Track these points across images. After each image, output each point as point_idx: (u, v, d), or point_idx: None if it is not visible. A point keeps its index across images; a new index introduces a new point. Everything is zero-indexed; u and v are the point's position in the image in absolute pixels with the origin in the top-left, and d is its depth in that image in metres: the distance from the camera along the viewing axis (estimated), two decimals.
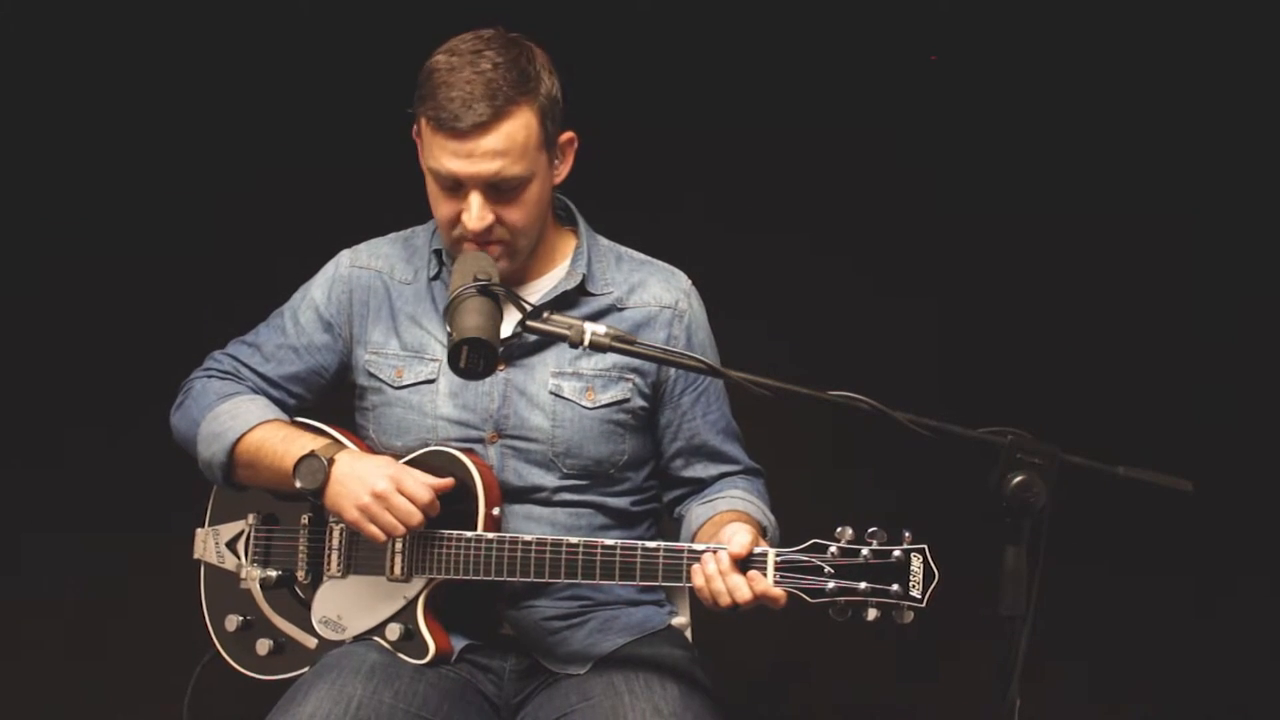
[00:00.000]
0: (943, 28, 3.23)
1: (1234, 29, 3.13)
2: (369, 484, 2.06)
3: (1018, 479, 1.77)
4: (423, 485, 2.07)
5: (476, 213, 2.09)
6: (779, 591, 1.95)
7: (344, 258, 2.33)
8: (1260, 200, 3.20)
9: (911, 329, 3.29)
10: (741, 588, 1.95)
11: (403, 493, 2.05)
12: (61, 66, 3.25)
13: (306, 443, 2.14)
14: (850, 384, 1.85)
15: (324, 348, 2.30)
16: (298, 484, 2.10)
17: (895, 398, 1.83)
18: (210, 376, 2.31)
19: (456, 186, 2.10)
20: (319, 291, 2.32)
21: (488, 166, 2.07)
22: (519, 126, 2.08)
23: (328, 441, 2.17)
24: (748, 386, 1.86)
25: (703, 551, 1.99)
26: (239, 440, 2.19)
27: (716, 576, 1.97)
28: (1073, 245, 3.25)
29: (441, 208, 2.14)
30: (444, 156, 2.08)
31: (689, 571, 2.00)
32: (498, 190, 2.10)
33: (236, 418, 2.21)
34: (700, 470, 2.32)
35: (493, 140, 2.06)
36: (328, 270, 2.34)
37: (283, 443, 2.16)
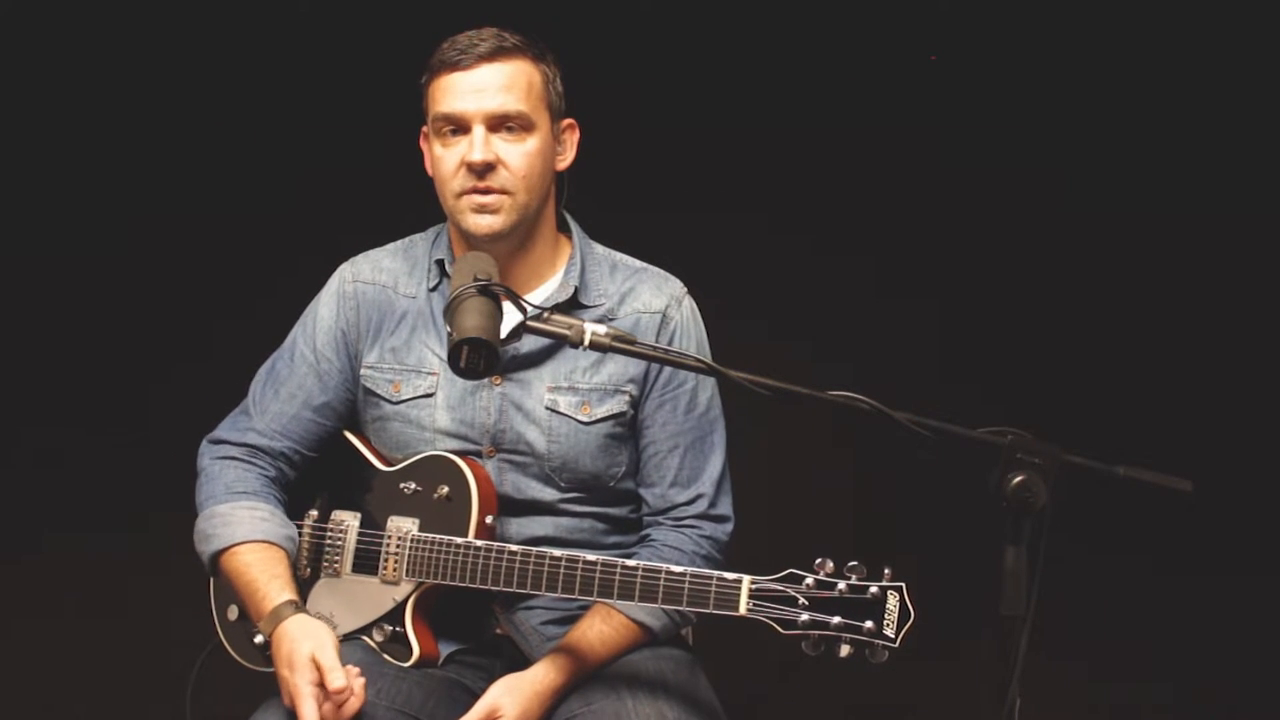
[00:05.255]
0: (943, 28, 3.23)
1: (1234, 29, 3.12)
2: (283, 690, 2.01)
3: (1018, 479, 1.77)
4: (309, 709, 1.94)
5: (479, 143, 2.11)
6: None
7: (345, 273, 2.30)
8: (1260, 200, 3.19)
9: (912, 329, 3.28)
10: None
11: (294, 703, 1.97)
12: (52, 67, 3.25)
13: (260, 600, 2.08)
14: (850, 384, 1.85)
15: (343, 369, 2.26)
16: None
17: (895, 398, 1.83)
18: (231, 458, 2.22)
19: (461, 130, 2.12)
20: (327, 311, 2.28)
21: (492, 100, 2.11)
22: (522, 71, 2.13)
23: (277, 604, 2.07)
24: (748, 386, 1.86)
25: (679, 573, 1.97)
26: (220, 554, 2.15)
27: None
28: (1073, 245, 3.25)
29: (446, 163, 2.14)
30: (449, 97, 2.12)
31: (663, 591, 1.98)
32: (500, 129, 2.12)
33: (227, 525, 2.15)
34: (644, 490, 2.27)
35: (496, 73, 2.11)
36: (331, 288, 2.30)
37: (248, 587, 2.11)
